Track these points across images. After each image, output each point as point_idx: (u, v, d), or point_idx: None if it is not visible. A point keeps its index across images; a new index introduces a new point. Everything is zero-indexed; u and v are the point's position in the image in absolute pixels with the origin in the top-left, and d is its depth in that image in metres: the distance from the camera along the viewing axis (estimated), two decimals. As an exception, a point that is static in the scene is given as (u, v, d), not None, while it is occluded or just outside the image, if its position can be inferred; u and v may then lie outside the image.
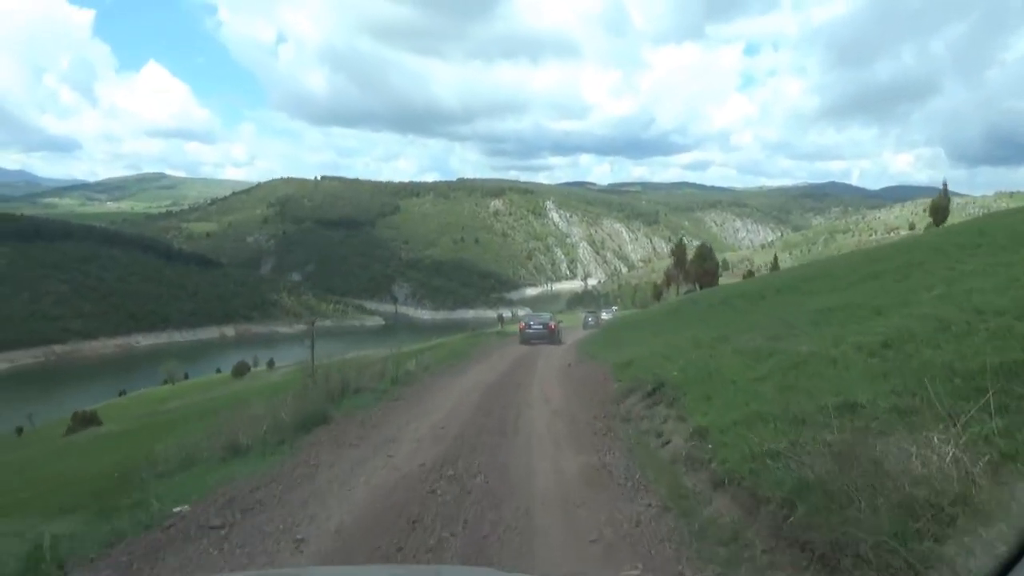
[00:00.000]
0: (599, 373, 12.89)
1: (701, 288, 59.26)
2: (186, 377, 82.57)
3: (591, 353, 18.08)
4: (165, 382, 76.26)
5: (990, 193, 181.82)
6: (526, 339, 27.80)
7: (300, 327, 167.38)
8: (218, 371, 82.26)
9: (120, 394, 73.20)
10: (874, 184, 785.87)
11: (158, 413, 37.31)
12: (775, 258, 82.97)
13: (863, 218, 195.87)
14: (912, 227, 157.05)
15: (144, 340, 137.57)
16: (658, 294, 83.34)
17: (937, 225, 41.24)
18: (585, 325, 44.94)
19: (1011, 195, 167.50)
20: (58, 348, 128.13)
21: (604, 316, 53.87)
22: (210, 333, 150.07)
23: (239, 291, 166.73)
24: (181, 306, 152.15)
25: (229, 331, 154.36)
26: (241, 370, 70.12)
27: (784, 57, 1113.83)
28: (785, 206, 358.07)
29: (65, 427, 39.84)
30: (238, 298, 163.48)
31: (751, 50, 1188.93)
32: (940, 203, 44.90)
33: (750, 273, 75.20)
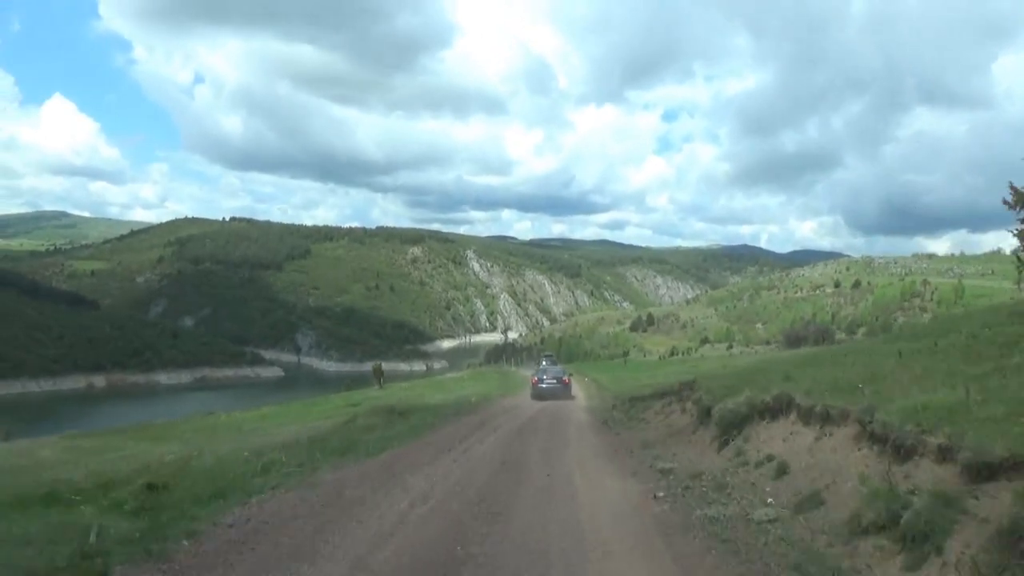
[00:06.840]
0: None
1: None
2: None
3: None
4: None
5: (907, 255, 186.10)
6: (539, 395, 26.25)
7: (185, 378, 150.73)
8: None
9: None
10: (781, 248, 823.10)
11: None
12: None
13: (787, 275, 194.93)
14: (838, 284, 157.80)
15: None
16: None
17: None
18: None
19: (929, 257, 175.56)
20: None
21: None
22: (75, 383, 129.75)
23: (116, 335, 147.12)
24: (42, 351, 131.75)
25: (99, 381, 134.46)
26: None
27: (698, 124, 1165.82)
28: (703, 265, 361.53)
29: None
30: (114, 343, 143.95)
31: (668, 116, 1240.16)
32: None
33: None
